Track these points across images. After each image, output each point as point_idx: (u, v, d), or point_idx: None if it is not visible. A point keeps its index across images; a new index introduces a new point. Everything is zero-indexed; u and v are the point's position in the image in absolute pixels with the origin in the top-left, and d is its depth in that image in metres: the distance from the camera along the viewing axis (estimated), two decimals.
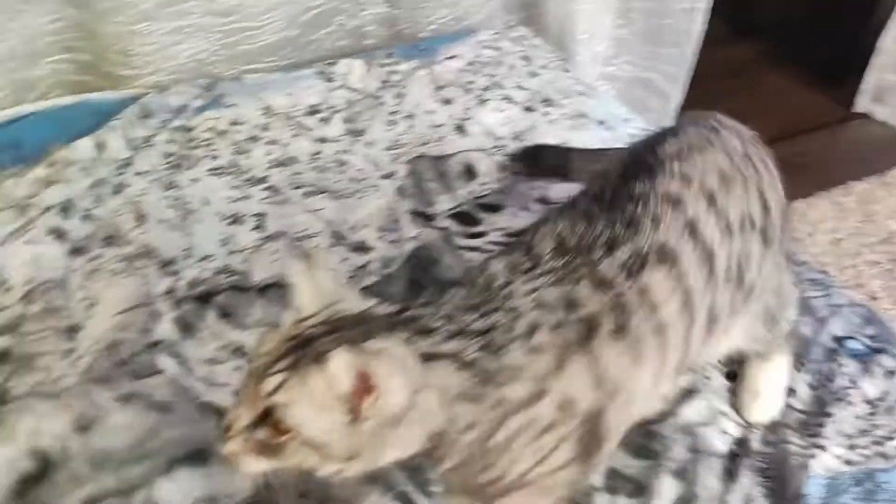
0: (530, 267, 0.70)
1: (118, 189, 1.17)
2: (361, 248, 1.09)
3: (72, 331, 0.97)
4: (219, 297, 1.02)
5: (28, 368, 0.92)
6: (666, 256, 0.70)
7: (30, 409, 0.89)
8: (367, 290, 0.95)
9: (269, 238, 1.10)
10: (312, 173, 1.22)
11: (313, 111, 1.34)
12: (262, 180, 1.20)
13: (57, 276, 1.03)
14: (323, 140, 1.29)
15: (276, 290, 1.02)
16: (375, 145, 1.28)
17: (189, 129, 1.28)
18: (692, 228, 0.72)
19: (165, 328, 0.98)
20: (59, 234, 1.09)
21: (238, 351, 0.96)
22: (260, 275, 1.05)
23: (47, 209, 1.12)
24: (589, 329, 0.68)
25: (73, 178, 1.17)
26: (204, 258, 1.07)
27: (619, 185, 0.75)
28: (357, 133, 1.30)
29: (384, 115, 1.34)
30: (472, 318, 0.67)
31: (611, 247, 0.70)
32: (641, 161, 0.77)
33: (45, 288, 1.01)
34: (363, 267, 1.07)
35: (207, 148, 1.25)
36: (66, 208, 1.13)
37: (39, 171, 1.18)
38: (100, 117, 1.28)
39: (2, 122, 1.27)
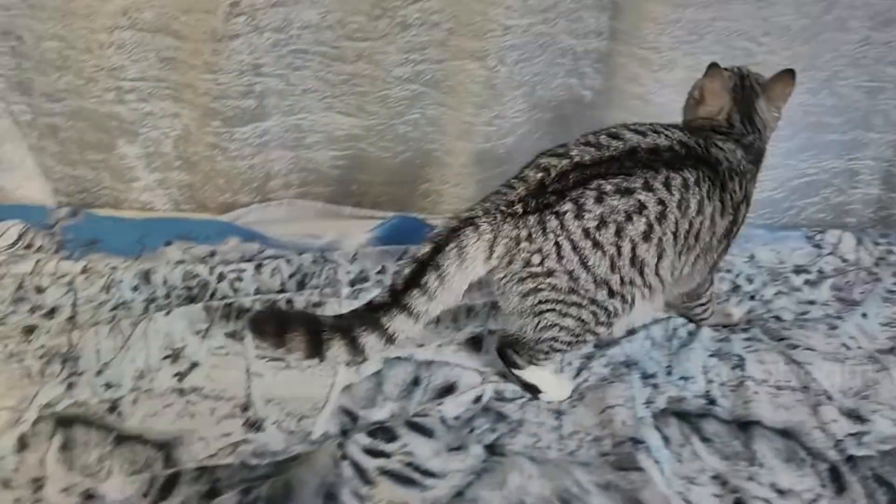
0: None
1: None
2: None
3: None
4: (701, 420, 1.05)
5: (521, 432, 1.04)
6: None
7: (519, 467, 0.99)
8: None
9: (745, 378, 1.11)
10: (799, 330, 1.21)
11: (799, 271, 1.34)
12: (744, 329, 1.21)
13: None
14: (811, 302, 1.27)
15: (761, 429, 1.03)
16: (870, 318, 1.22)
17: None
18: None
19: (649, 433, 1.03)
20: None
21: (717, 478, 0.96)
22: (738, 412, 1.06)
23: None
24: None
25: None
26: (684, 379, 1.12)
27: None
28: (849, 302, 1.26)
29: (881, 290, 1.29)
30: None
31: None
32: None
33: None
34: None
35: None
36: None
37: None
38: None
39: None
